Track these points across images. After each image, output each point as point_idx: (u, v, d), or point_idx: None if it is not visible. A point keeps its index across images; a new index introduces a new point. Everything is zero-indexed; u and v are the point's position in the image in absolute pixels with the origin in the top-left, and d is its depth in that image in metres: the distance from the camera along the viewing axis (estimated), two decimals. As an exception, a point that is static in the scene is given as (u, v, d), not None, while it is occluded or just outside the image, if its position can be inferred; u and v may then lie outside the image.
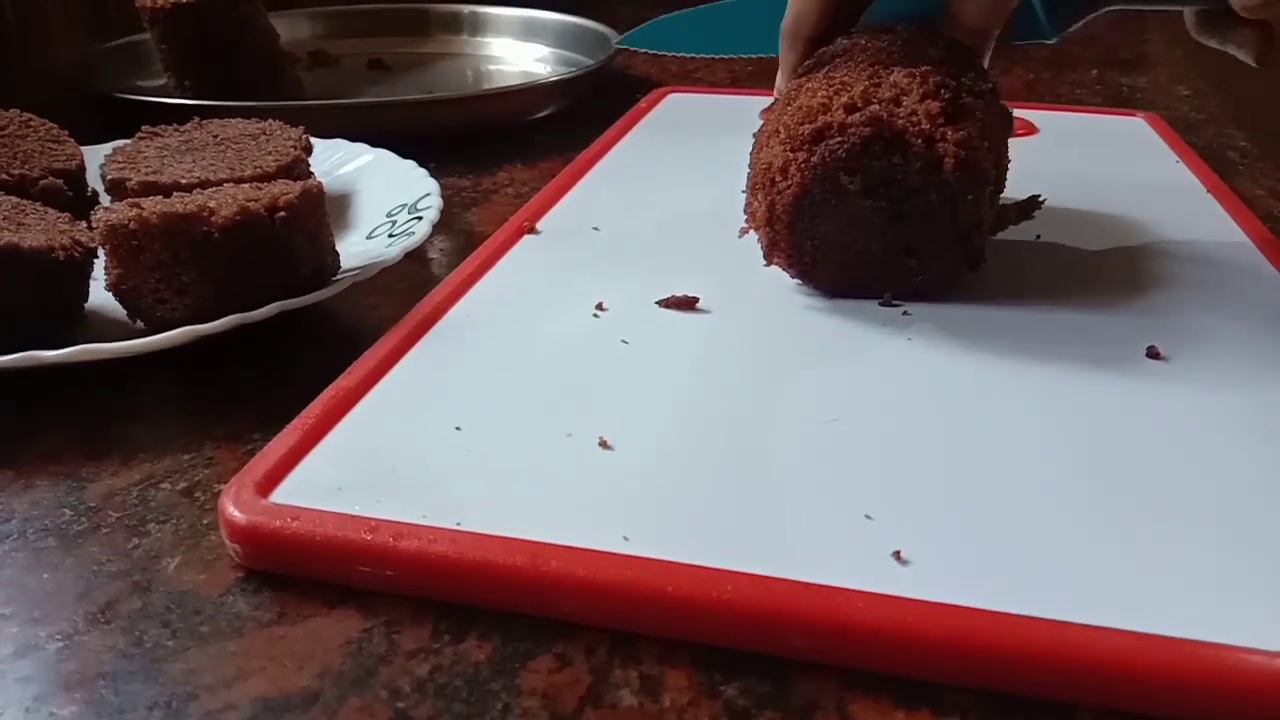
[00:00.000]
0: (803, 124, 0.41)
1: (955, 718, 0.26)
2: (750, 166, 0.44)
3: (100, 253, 0.41)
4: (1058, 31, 0.47)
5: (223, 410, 0.39)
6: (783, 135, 0.41)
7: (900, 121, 0.40)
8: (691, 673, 0.27)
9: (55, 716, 0.26)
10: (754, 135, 0.45)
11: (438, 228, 0.47)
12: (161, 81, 0.74)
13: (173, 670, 0.27)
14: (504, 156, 0.67)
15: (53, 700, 0.26)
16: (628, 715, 0.26)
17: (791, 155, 0.41)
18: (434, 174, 0.52)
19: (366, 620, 0.29)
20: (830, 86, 0.42)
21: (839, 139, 0.40)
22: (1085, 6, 0.47)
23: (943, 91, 0.40)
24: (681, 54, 0.53)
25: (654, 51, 0.54)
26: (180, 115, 0.55)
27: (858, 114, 0.40)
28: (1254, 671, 0.25)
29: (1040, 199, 0.48)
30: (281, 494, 0.31)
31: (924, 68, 0.41)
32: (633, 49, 0.58)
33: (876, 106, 0.40)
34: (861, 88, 0.41)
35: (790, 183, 0.41)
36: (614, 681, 0.27)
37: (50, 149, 0.50)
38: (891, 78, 0.41)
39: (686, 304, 0.43)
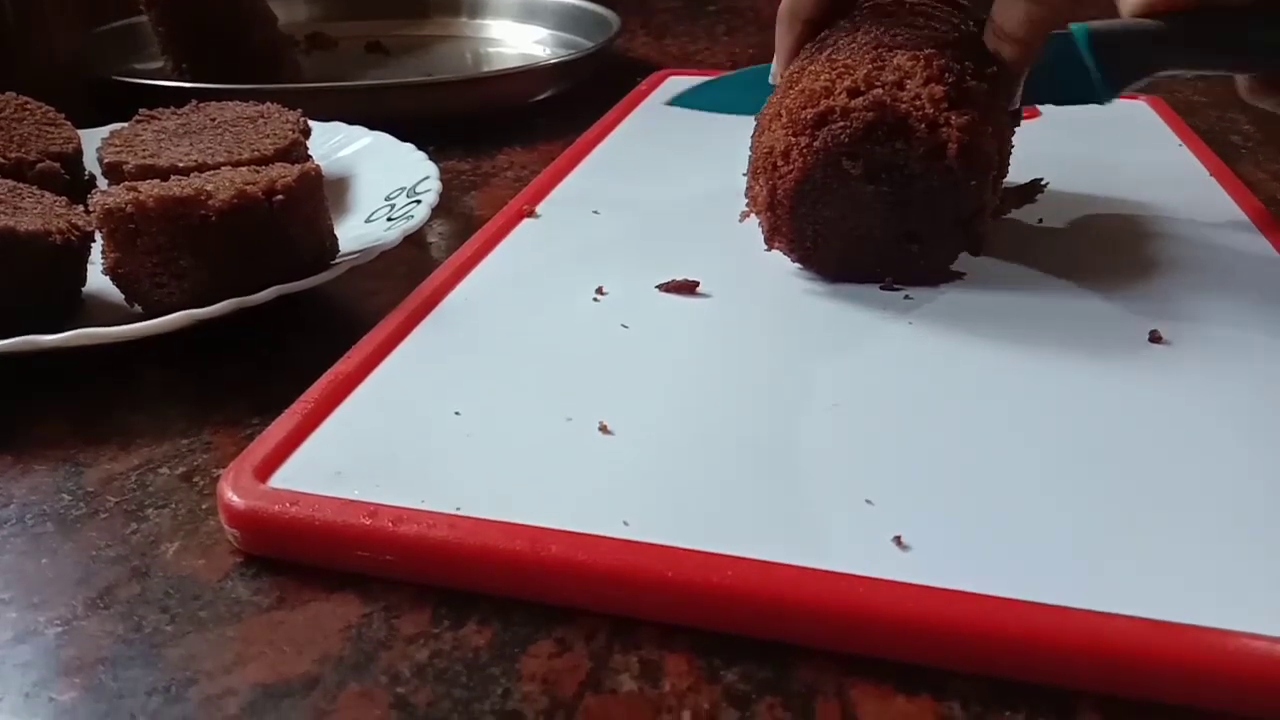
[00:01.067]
0: (805, 108, 0.40)
1: (956, 703, 0.25)
2: (752, 150, 0.44)
3: (97, 237, 0.41)
4: (1112, 94, 0.45)
5: (221, 395, 0.38)
6: (784, 119, 0.41)
7: (904, 106, 0.39)
8: (692, 658, 0.27)
9: (54, 702, 0.26)
10: (755, 118, 0.45)
11: (437, 211, 0.47)
12: (159, 64, 0.73)
13: (172, 655, 0.27)
14: (503, 139, 0.67)
15: (52, 685, 0.26)
16: (628, 700, 0.26)
17: (793, 139, 0.40)
18: (433, 157, 0.52)
19: (366, 605, 0.29)
20: (833, 70, 0.41)
21: (841, 124, 0.40)
22: (1141, 71, 0.45)
23: (947, 75, 0.40)
24: (729, 114, 0.51)
25: (701, 110, 0.53)
26: (178, 98, 0.55)
27: (860, 98, 0.40)
28: (1256, 657, 0.25)
29: (1042, 183, 0.48)
30: (280, 479, 0.31)
31: (928, 50, 0.41)
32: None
33: (880, 90, 0.40)
34: (864, 71, 0.40)
35: (792, 167, 0.40)
36: (614, 666, 0.27)
37: (47, 132, 0.50)
38: (895, 61, 0.41)
39: (687, 288, 0.43)
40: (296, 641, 0.27)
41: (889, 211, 0.41)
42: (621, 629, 0.28)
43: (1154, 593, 0.27)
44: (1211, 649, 0.25)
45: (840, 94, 0.40)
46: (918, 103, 0.39)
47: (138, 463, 0.35)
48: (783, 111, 0.41)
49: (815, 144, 0.40)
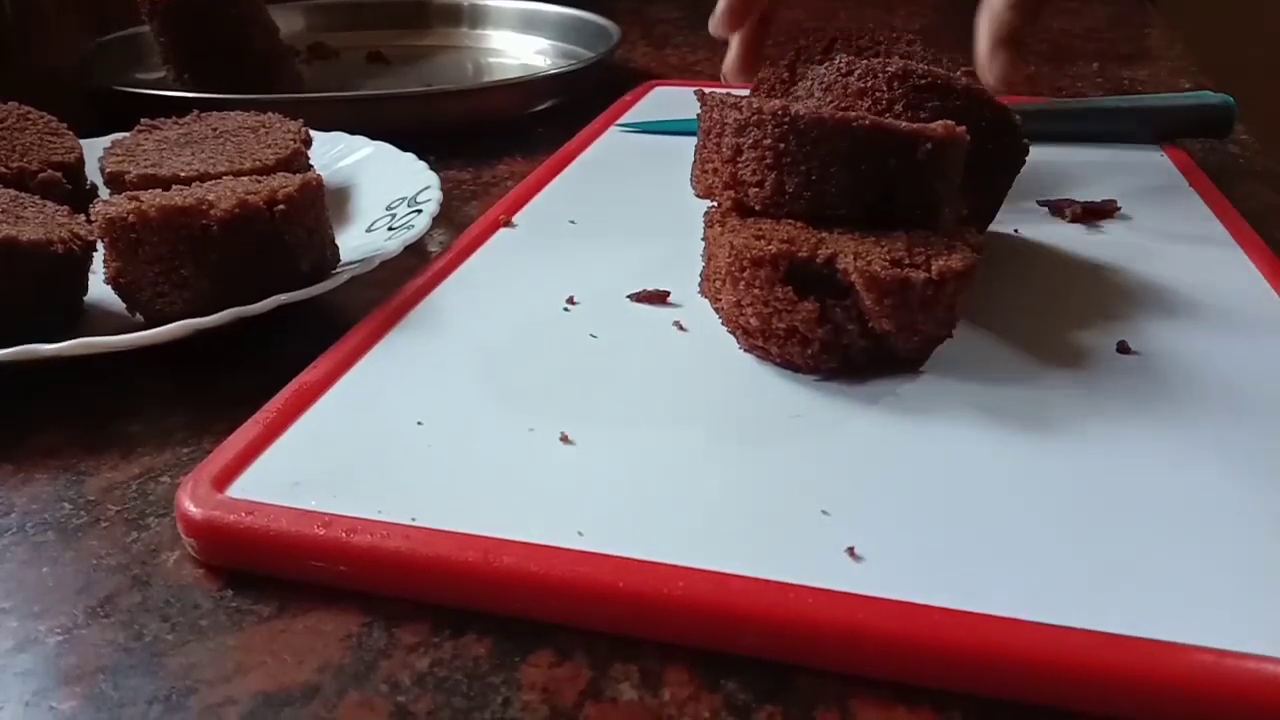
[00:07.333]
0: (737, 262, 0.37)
1: (956, 713, 0.25)
2: (704, 242, 0.41)
3: (99, 246, 0.41)
4: None
5: (222, 404, 0.38)
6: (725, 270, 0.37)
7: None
8: (692, 667, 0.27)
9: (55, 711, 0.26)
10: (704, 215, 0.42)
11: (438, 221, 0.47)
12: (161, 74, 0.73)
13: (172, 664, 0.27)
14: (504, 149, 0.67)
15: (52, 694, 0.26)
16: (628, 709, 0.26)
17: (745, 292, 0.37)
18: (434, 167, 0.52)
19: (366, 614, 0.29)
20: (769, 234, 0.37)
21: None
22: None
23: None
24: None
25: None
26: (179, 108, 0.55)
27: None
28: (1211, 671, 0.24)
29: (1117, 204, 0.50)
30: (238, 488, 0.31)
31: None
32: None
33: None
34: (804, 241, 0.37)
35: (747, 313, 0.37)
36: (614, 676, 0.27)
37: (49, 142, 0.50)
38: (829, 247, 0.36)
39: (658, 298, 0.43)
40: (297, 650, 0.27)
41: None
42: (622, 638, 0.28)
43: (1112, 606, 0.26)
44: (1170, 663, 0.25)
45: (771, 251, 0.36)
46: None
47: (138, 471, 0.35)
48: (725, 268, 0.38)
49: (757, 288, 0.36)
